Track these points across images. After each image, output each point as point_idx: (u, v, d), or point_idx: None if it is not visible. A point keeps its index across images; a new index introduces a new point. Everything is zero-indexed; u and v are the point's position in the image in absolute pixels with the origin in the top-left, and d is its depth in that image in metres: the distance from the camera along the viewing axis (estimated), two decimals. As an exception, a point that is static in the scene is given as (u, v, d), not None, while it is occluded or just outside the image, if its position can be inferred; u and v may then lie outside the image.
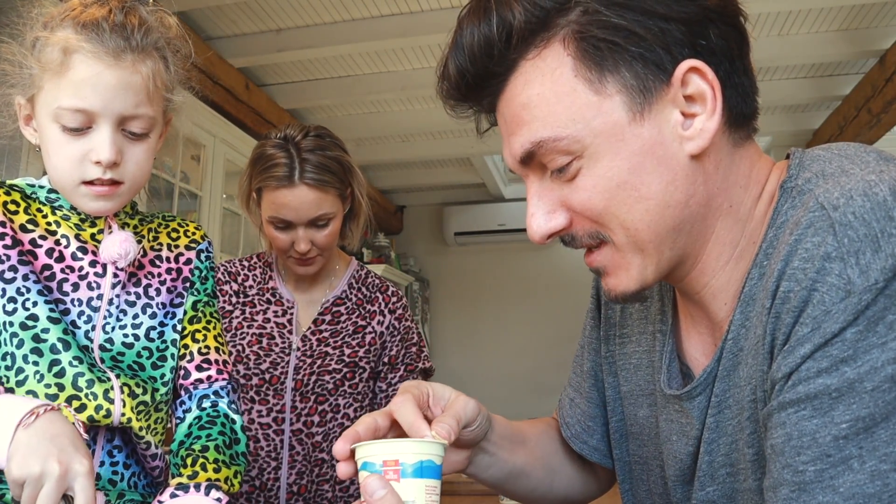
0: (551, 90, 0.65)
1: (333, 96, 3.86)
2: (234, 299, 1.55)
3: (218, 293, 1.05)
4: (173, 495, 0.85)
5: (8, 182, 0.94)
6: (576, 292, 5.55)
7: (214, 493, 0.86)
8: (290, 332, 1.51)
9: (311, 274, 1.52)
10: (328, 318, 1.54)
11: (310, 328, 1.52)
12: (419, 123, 4.27)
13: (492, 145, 5.07)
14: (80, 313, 0.90)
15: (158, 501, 0.85)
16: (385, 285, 1.62)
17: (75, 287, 0.90)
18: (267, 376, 1.46)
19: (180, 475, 0.88)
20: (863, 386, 0.54)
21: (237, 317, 1.52)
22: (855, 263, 0.54)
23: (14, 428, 0.73)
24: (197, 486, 0.86)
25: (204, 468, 0.88)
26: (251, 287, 1.57)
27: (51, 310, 0.87)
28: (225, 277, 1.57)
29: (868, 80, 3.63)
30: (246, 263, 1.61)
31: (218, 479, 0.88)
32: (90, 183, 0.88)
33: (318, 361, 1.48)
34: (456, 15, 0.71)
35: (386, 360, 1.55)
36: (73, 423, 0.77)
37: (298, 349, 1.49)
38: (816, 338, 0.56)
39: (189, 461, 0.89)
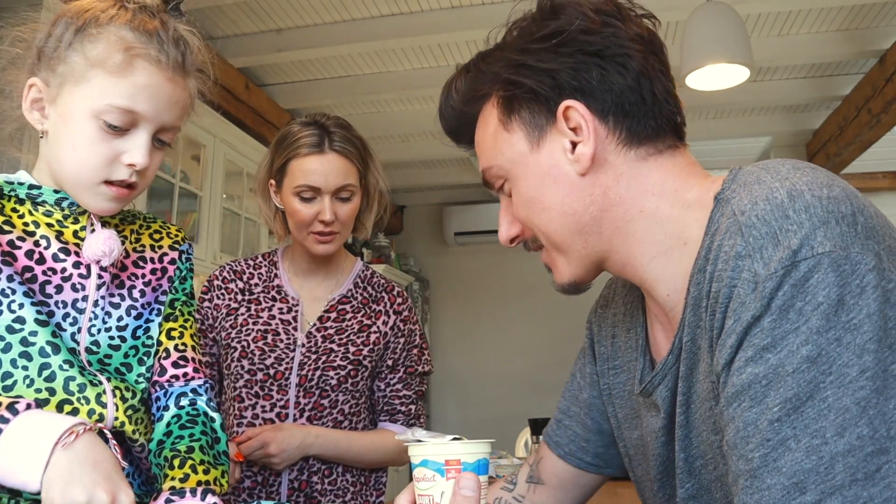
0: (486, 132, 0.86)
1: (333, 96, 3.87)
2: (239, 297, 1.56)
3: (193, 294, 1.05)
4: (168, 500, 0.84)
5: None
6: (576, 292, 5.54)
7: (210, 498, 0.85)
8: (294, 328, 1.52)
9: (329, 253, 1.53)
10: (333, 315, 1.55)
11: (314, 325, 1.53)
12: (419, 123, 4.28)
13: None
14: (66, 315, 0.88)
15: None
16: (391, 285, 1.64)
17: (59, 289, 0.88)
18: (271, 371, 1.47)
19: (168, 477, 0.87)
20: (784, 369, 0.59)
21: (242, 314, 1.53)
22: (760, 258, 0.62)
23: (51, 448, 0.70)
24: (193, 491, 0.85)
25: (194, 470, 0.87)
26: (256, 285, 1.58)
27: (38, 312, 0.85)
28: (230, 276, 1.58)
29: (868, 80, 3.63)
30: (251, 262, 1.63)
31: (209, 481, 0.87)
32: (110, 183, 0.89)
33: (323, 357, 1.49)
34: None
35: (389, 362, 1.56)
36: (112, 448, 0.76)
37: (303, 345, 1.50)
38: (738, 328, 0.63)
39: (177, 462, 0.88)
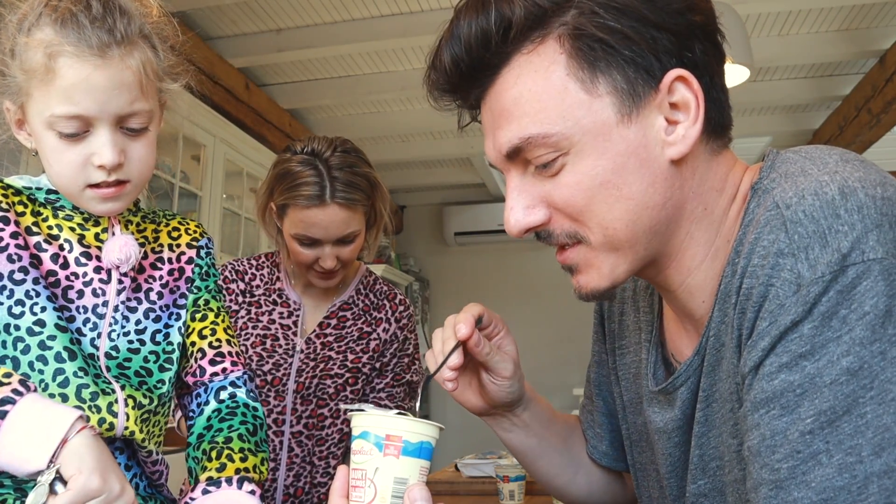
0: (543, 87, 0.67)
1: (333, 96, 3.86)
2: (240, 298, 1.54)
3: (223, 290, 1.03)
4: (205, 491, 0.84)
5: (7, 181, 0.90)
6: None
7: (247, 486, 0.85)
8: (294, 333, 1.50)
9: (331, 286, 1.51)
10: (334, 322, 1.53)
11: (314, 331, 1.51)
12: (419, 123, 4.27)
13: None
14: (86, 321, 0.88)
15: (190, 498, 0.84)
16: (393, 293, 1.61)
17: (80, 294, 0.88)
18: (269, 378, 1.46)
19: (206, 469, 0.87)
20: (822, 380, 0.56)
21: (242, 317, 1.52)
22: (805, 258, 0.57)
23: (66, 430, 0.71)
24: (228, 480, 0.85)
25: (231, 459, 0.87)
26: (258, 287, 1.56)
27: (58, 317, 0.85)
28: (232, 276, 1.56)
29: (868, 80, 3.63)
30: (254, 262, 1.60)
31: (247, 469, 0.87)
32: (96, 186, 0.85)
33: (321, 365, 1.47)
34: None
35: (377, 364, 1.54)
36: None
37: (302, 351, 1.48)
38: (774, 330, 0.59)
39: (214, 454, 0.88)
